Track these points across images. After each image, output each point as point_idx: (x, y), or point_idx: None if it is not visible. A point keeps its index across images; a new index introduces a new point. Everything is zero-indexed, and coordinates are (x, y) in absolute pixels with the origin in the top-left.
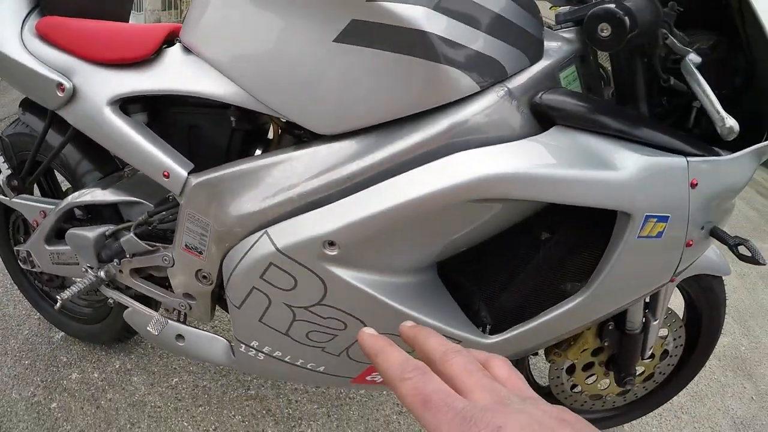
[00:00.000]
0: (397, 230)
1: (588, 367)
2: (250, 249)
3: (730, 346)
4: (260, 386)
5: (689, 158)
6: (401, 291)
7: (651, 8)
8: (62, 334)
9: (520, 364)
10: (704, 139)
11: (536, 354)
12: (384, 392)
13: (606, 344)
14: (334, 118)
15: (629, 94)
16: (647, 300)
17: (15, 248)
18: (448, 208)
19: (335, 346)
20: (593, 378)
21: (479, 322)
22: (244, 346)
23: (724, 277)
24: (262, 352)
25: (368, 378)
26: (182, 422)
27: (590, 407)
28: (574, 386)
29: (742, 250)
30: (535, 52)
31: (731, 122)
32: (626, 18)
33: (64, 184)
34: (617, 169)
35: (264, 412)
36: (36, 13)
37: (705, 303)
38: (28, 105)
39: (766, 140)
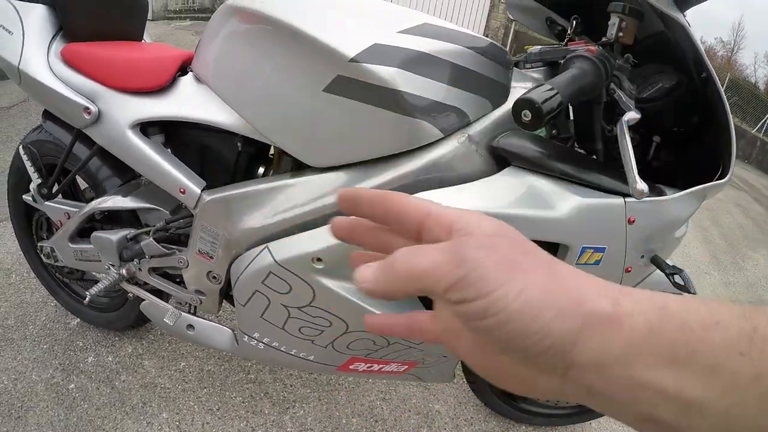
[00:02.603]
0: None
1: None
2: (253, 260)
3: None
4: (259, 371)
5: (627, 199)
6: None
7: (594, 72)
8: (78, 320)
9: None
10: (662, 170)
11: None
12: (369, 380)
13: None
14: (323, 154)
15: (587, 134)
16: None
17: (39, 244)
18: None
19: (323, 339)
20: None
21: None
22: (247, 336)
23: None
24: (263, 343)
25: (351, 367)
26: (189, 402)
27: (555, 403)
28: None
29: (677, 279)
30: (498, 97)
31: (642, 186)
32: (543, 106)
33: (82, 183)
34: (558, 208)
35: (262, 394)
36: (59, 38)
37: None
38: (49, 115)
39: (717, 180)
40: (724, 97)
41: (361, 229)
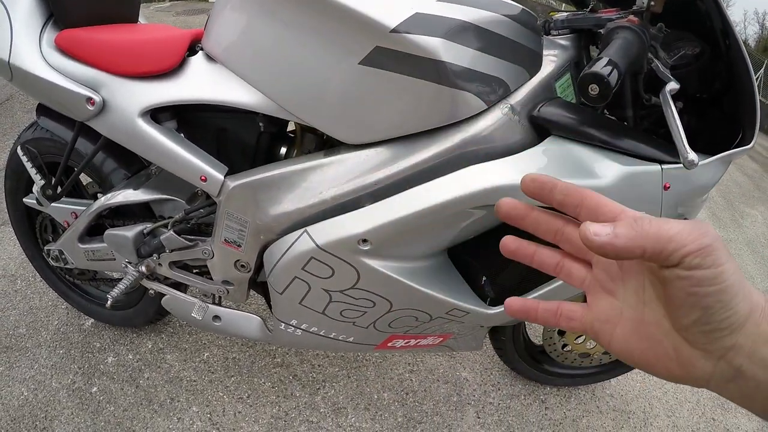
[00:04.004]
0: (418, 228)
1: None
2: (291, 245)
3: None
4: (285, 354)
5: (663, 166)
6: (419, 273)
7: (638, 42)
8: (91, 320)
9: (517, 326)
10: (686, 133)
11: None
12: (397, 354)
13: None
14: (360, 130)
15: (618, 101)
16: None
17: (45, 248)
18: (461, 211)
19: (364, 320)
20: (582, 338)
21: (483, 295)
22: (283, 324)
23: None
24: (300, 329)
25: (389, 344)
26: (218, 392)
27: (579, 364)
28: (564, 345)
29: None
30: (534, 65)
31: (693, 156)
32: (610, 79)
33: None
34: (600, 177)
35: (291, 377)
36: (51, 26)
37: None
38: (44, 109)
39: (734, 148)
40: (749, 64)
41: (535, 213)
